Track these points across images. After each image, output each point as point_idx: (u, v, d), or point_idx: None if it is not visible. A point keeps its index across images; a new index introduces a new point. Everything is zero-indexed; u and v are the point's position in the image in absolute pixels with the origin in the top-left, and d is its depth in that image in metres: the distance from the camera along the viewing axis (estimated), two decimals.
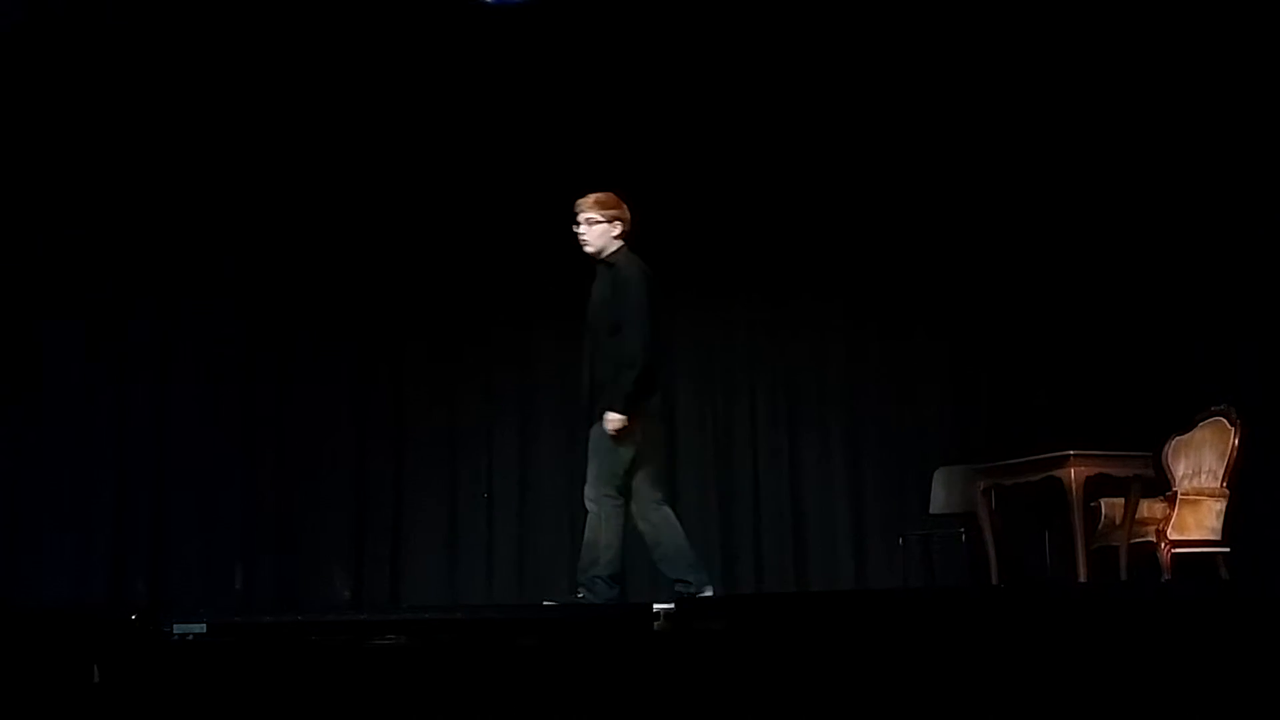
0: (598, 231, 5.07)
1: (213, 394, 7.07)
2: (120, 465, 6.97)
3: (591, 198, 5.11)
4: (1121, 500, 5.66)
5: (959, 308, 6.99)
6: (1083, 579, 5.48)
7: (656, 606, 3.85)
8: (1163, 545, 5.57)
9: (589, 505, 4.97)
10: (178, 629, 3.61)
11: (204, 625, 3.61)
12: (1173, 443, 5.88)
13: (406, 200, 7.16)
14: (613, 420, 4.85)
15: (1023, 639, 3.33)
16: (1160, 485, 5.79)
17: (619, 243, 5.09)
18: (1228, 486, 5.68)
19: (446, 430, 7.19)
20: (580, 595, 4.97)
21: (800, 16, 6.86)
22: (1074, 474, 5.47)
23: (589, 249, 5.09)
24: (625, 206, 5.11)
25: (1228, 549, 5.62)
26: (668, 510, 5.07)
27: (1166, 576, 5.56)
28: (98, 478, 6.96)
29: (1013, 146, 6.94)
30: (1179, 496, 5.70)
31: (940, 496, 6.49)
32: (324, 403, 7.12)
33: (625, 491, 4.96)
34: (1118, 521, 5.66)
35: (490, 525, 7.04)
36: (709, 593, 4.95)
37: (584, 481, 5.01)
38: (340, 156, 7.12)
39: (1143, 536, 5.66)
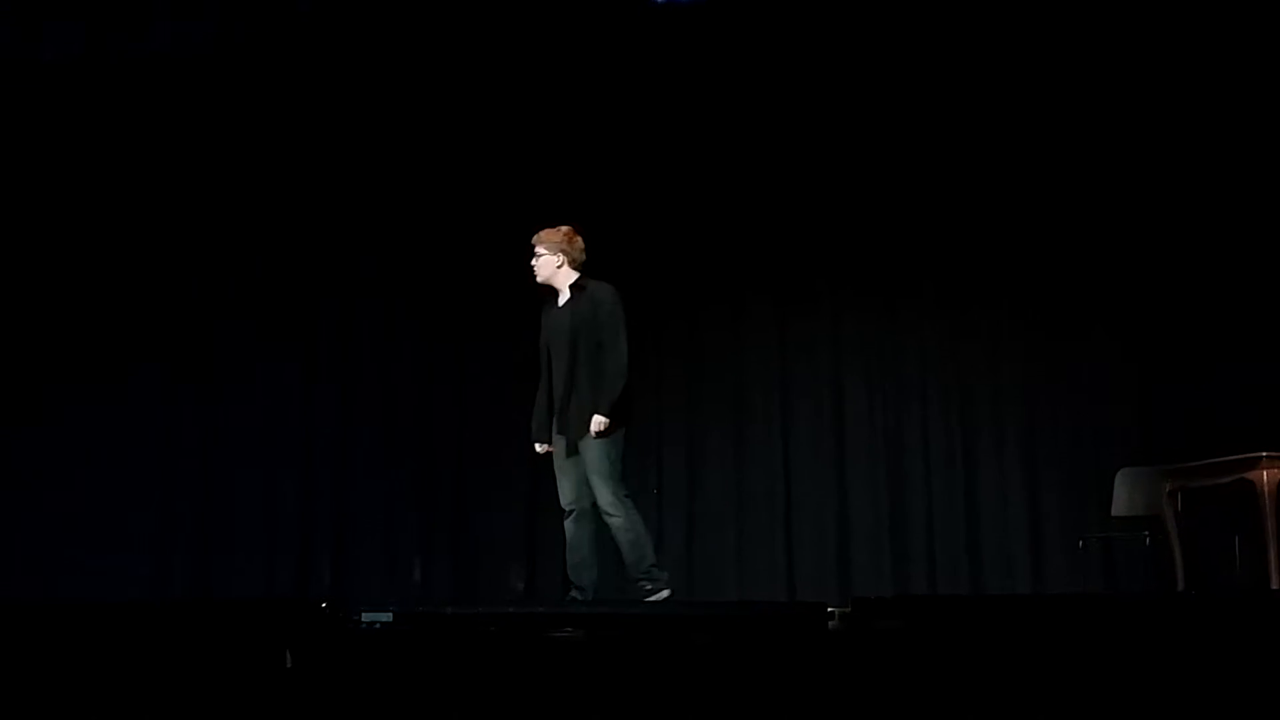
0: (543, 263, 5.52)
1: (392, 392, 7.30)
2: (306, 464, 7.26)
3: (541, 233, 5.56)
4: None
5: (1143, 300, 6.77)
6: (1275, 586, 5.28)
7: (830, 607, 3.84)
8: None
9: (611, 517, 5.27)
10: (366, 617, 3.74)
11: (390, 614, 3.74)
12: None
13: (580, 203, 7.26)
14: (600, 422, 5.22)
15: (1211, 648, 3.23)
16: None
17: (573, 272, 5.51)
18: None
19: None
20: (648, 589, 5.27)
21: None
22: (1267, 476, 5.26)
23: (538, 279, 5.54)
24: (576, 240, 5.54)
25: None
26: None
27: None
28: (284, 475, 7.27)
29: (1196, 139, 6.71)
30: None
31: (1123, 498, 6.29)
32: (498, 400, 7.26)
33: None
34: None
35: (660, 522, 7.09)
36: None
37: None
38: (506, 161, 7.27)
39: None
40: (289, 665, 3.55)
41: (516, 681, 3.45)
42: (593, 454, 5.27)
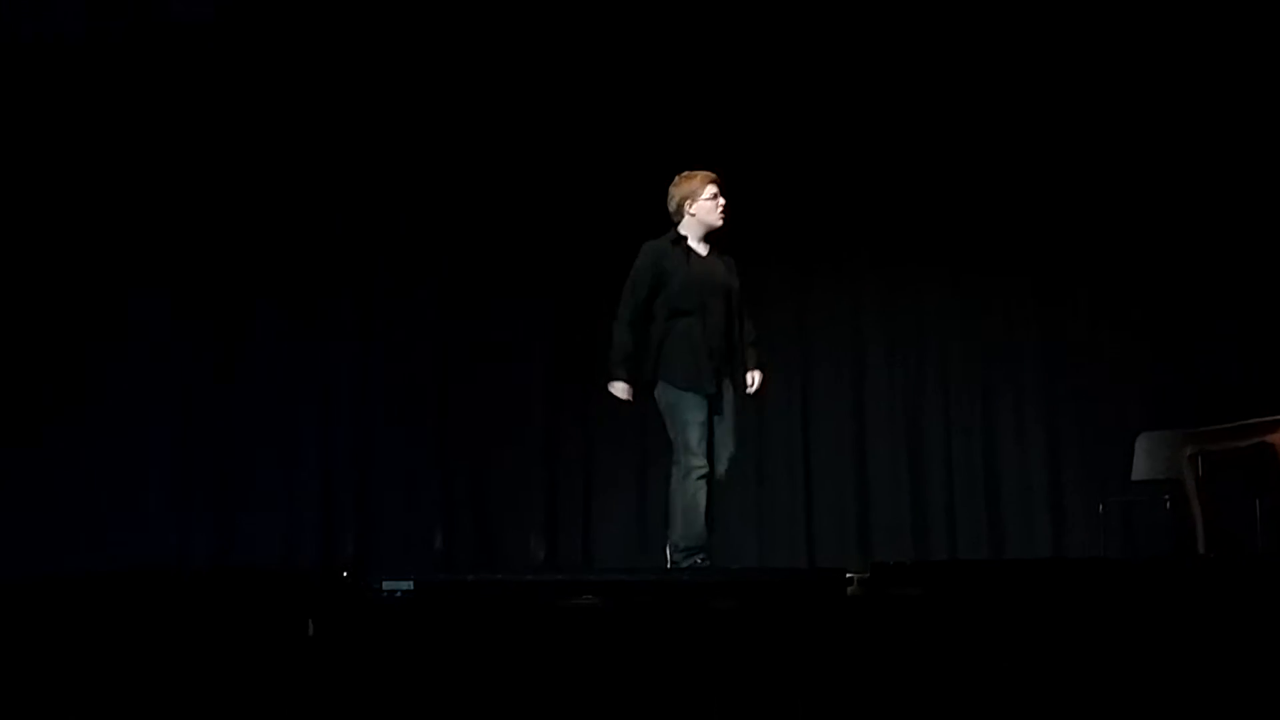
0: None
1: (410, 360, 7.31)
2: (327, 432, 7.29)
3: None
4: None
5: (1165, 264, 6.73)
6: None
7: (849, 572, 3.84)
8: None
9: (724, 474, 5.09)
10: (387, 586, 3.76)
11: (411, 583, 3.76)
12: None
13: (593, 170, 7.24)
14: (760, 378, 5.21)
15: (1231, 611, 3.22)
16: None
17: None
18: None
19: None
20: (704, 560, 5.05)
21: None
22: None
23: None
24: None
25: None
26: None
27: None
28: (305, 444, 7.29)
29: (1218, 111, 6.67)
30: None
31: (1144, 462, 6.26)
32: (518, 366, 7.29)
33: None
34: None
35: None
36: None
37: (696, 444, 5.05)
38: (525, 138, 7.27)
39: None
40: (311, 633, 3.57)
41: (538, 649, 3.47)
42: (734, 406, 5.13)
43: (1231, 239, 6.62)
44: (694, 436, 4.98)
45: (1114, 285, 6.82)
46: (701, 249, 5.22)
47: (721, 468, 5.07)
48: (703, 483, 4.99)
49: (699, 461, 4.98)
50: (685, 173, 5.26)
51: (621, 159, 7.08)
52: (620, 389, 5.12)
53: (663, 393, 5.08)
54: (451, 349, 7.32)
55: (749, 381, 5.19)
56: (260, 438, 7.26)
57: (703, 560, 4.98)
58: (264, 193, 7.43)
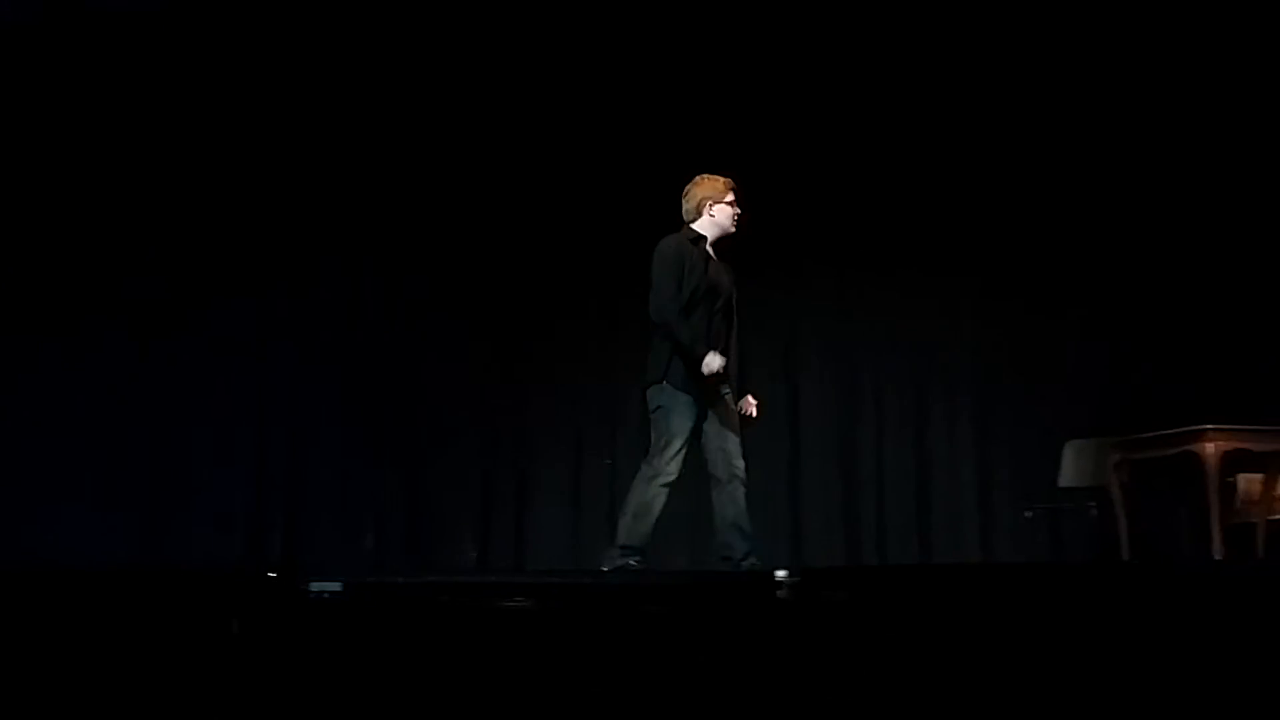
0: None
1: (346, 361, 7.26)
2: (258, 432, 7.21)
3: None
4: (1260, 476, 5.52)
5: (1093, 275, 6.83)
6: (1217, 556, 5.35)
7: (779, 575, 3.85)
8: None
9: (744, 484, 5.00)
10: (314, 587, 3.72)
11: (340, 584, 3.72)
12: None
13: (543, 182, 7.22)
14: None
15: (1154, 617, 3.27)
16: None
17: None
18: None
19: (570, 397, 7.26)
20: (752, 562, 5.00)
21: None
22: (1211, 448, 5.31)
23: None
24: None
25: None
26: None
27: None
28: (237, 445, 7.21)
29: (1156, 123, 6.76)
30: None
31: (1070, 469, 6.36)
32: (452, 368, 7.25)
33: None
34: (1255, 498, 5.51)
35: (613, 493, 7.09)
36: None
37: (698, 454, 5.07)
38: (470, 145, 7.25)
39: None
40: (235, 632, 3.52)
41: (468, 651, 3.45)
42: (736, 418, 5.05)
43: (1170, 247, 6.70)
44: (674, 445, 4.94)
45: (1046, 294, 6.90)
46: (712, 253, 5.17)
47: (739, 464, 5.00)
48: (665, 490, 4.95)
49: (670, 469, 4.94)
50: (707, 175, 5.20)
51: (576, 165, 7.09)
52: (715, 361, 4.90)
53: (658, 392, 4.99)
54: (387, 349, 7.27)
55: (744, 408, 5.13)
56: (191, 436, 7.17)
57: (637, 563, 4.94)
58: (201, 187, 7.33)
